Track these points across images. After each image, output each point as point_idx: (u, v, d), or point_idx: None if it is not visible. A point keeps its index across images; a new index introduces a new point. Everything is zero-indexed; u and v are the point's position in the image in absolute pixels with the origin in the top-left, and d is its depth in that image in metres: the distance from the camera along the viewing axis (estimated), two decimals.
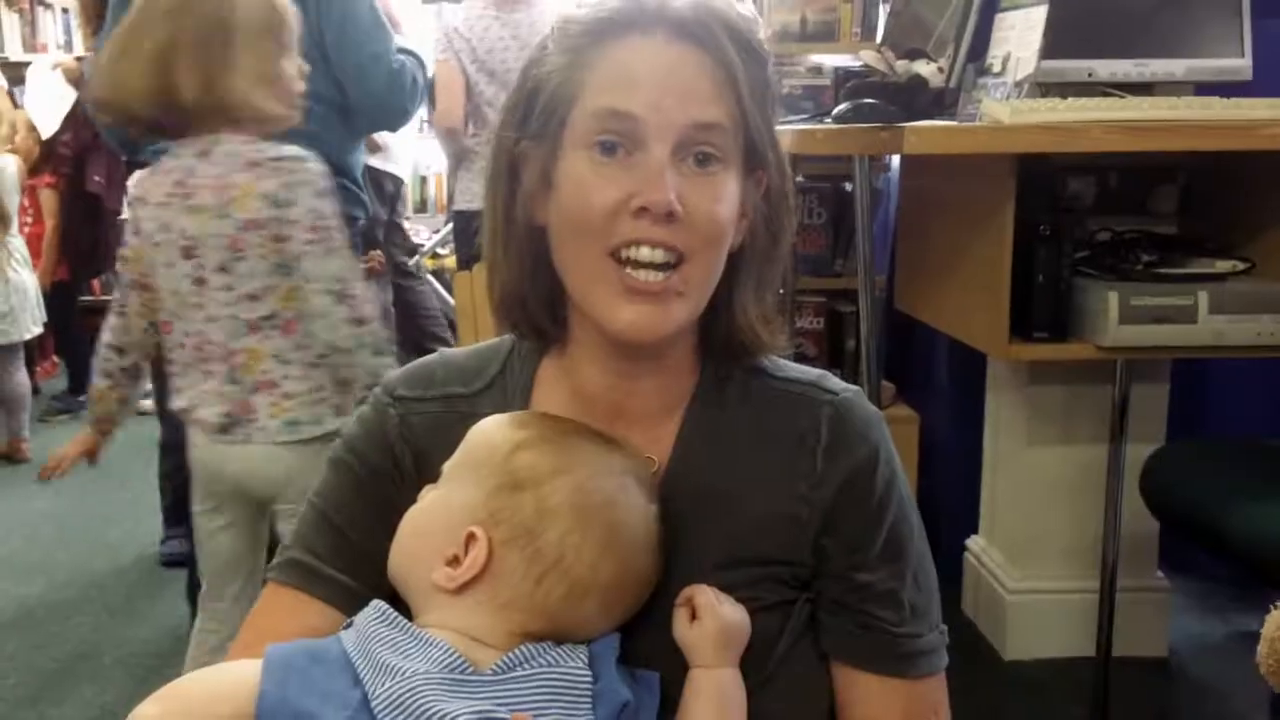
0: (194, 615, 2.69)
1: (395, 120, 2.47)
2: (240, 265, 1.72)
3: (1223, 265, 1.97)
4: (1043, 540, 2.55)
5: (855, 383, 0.98)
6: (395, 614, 0.82)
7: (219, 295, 1.73)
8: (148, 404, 4.50)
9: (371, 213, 3.95)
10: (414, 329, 4.34)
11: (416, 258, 4.51)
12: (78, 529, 3.43)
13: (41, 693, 2.45)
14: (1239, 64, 2.04)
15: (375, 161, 3.91)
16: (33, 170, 4.49)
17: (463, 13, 3.58)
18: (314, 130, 2.27)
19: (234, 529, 1.89)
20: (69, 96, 4.36)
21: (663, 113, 0.82)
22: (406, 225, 4.72)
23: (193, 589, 2.70)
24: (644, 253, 0.82)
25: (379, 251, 3.22)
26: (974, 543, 2.79)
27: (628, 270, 0.83)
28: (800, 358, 3.18)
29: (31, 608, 2.88)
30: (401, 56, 2.37)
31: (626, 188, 0.82)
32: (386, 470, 0.93)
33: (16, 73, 5.07)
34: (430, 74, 2.65)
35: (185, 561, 2.80)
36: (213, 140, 1.72)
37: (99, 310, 5.49)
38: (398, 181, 4.19)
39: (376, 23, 2.31)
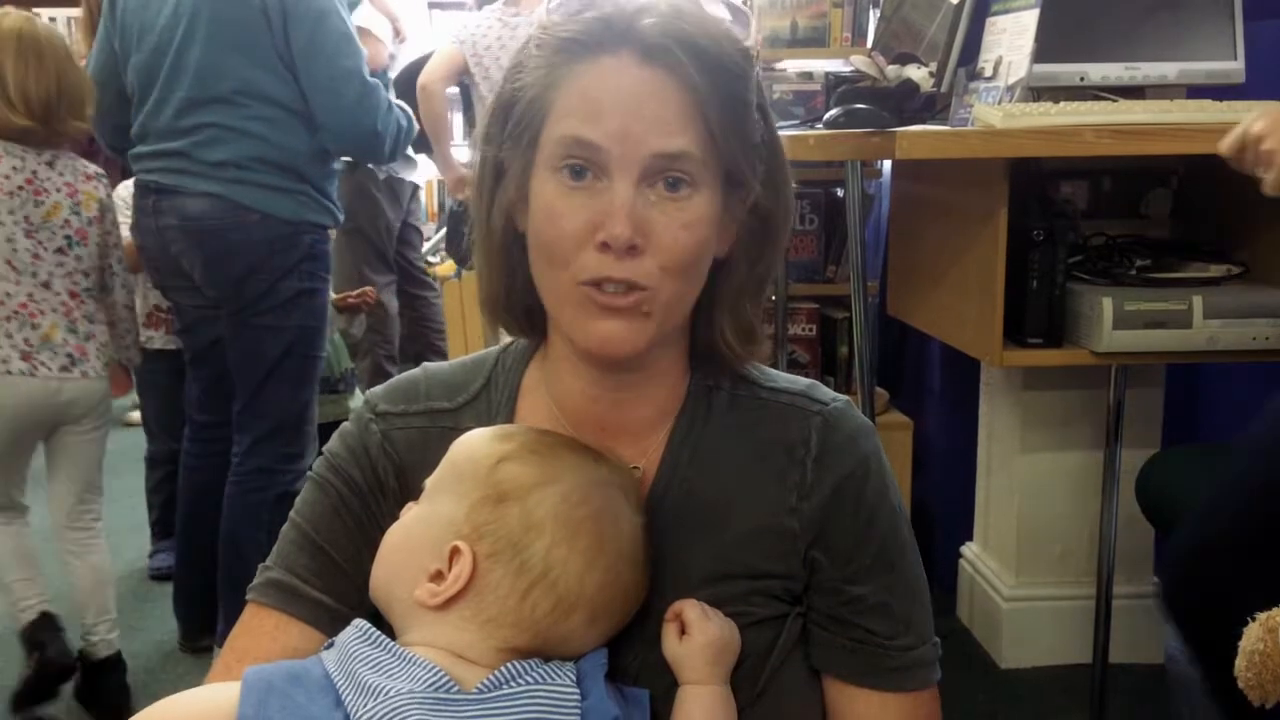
0: (182, 630, 2.68)
1: (366, 142, 2.38)
2: (81, 249, 2.33)
3: (1217, 269, 1.96)
4: (1038, 547, 2.54)
5: (848, 389, 0.97)
6: (377, 633, 0.80)
7: (57, 269, 2.29)
8: (135, 416, 4.50)
9: (387, 221, 3.96)
10: (420, 341, 4.31)
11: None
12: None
13: (27, 712, 2.42)
14: (1232, 66, 2.04)
15: (401, 171, 3.91)
16: None
17: (474, 21, 3.62)
18: (272, 136, 2.26)
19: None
20: None
21: (627, 143, 0.80)
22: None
23: (179, 603, 2.69)
24: (609, 289, 0.81)
25: (372, 289, 3.23)
26: (969, 549, 2.78)
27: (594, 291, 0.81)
28: (792, 364, 3.15)
29: None
30: (376, 80, 2.34)
31: (591, 217, 0.80)
32: (369, 487, 0.92)
33: None
34: (416, 127, 2.61)
35: (173, 575, 2.78)
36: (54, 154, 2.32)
37: None
38: (414, 187, 4.17)
39: (347, 37, 2.28)
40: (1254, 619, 1.27)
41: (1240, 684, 1.26)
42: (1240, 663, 1.26)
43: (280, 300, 2.33)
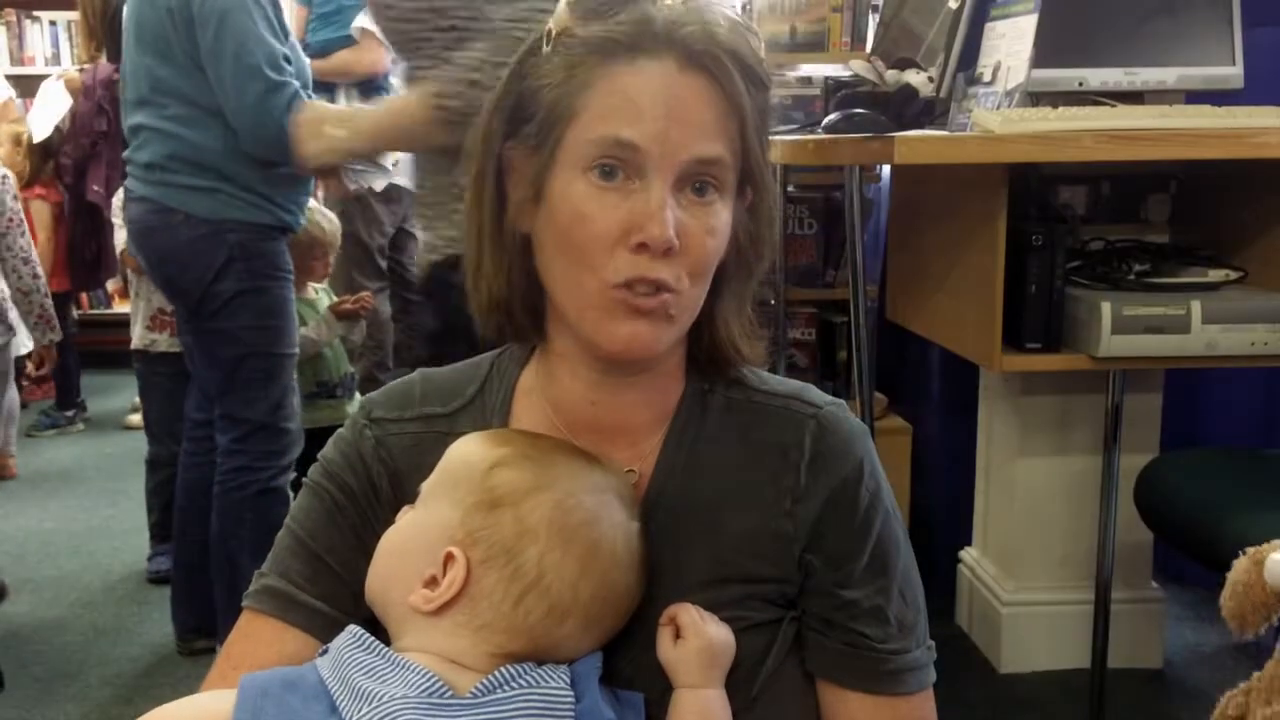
0: (178, 632, 2.69)
1: (275, 142, 2.24)
2: None
3: (1215, 274, 1.96)
4: (1037, 551, 2.54)
5: (847, 394, 0.96)
6: (371, 638, 0.80)
7: None
8: (135, 419, 4.50)
9: (381, 227, 3.95)
10: (419, 347, 4.31)
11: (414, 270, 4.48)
12: (65, 546, 3.41)
13: (25, 712, 2.43)
14: (1230, 72, 2.04)
15: (372, 181, 3.89)
16: (26, 184, 4.46)
17: None
18: (187, 134, 2.25)
19: None
20: (64, 105, 4.34)
21: (667, 146, 0.80)
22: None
23: (176, 604, 2.69)
24: (640, 289, 0.81)
25: (368, 294, 3.22)
26: (968, 554, 2.78)
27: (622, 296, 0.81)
28: (791, 369, 3.14)
29: (17, 625, 2.85)
30: (292, 80, 2.26)
31: (625, 219, 0.80)
32: (363, 493, 0.92)
33: (28, 85, 5.07)
34: None
35: (170, 576, 2.79)
36: None
37: (89, 324, 5.44)
38: (403, 192, 4.14)
39: (252, 34, 2.21)
40: (1244, 553, 1.30)
41: (1224, 613, 1.29)
42: (1224, 593, 1.29)
43: (221, 303, 2.31)
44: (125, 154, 2.38)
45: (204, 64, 2.22)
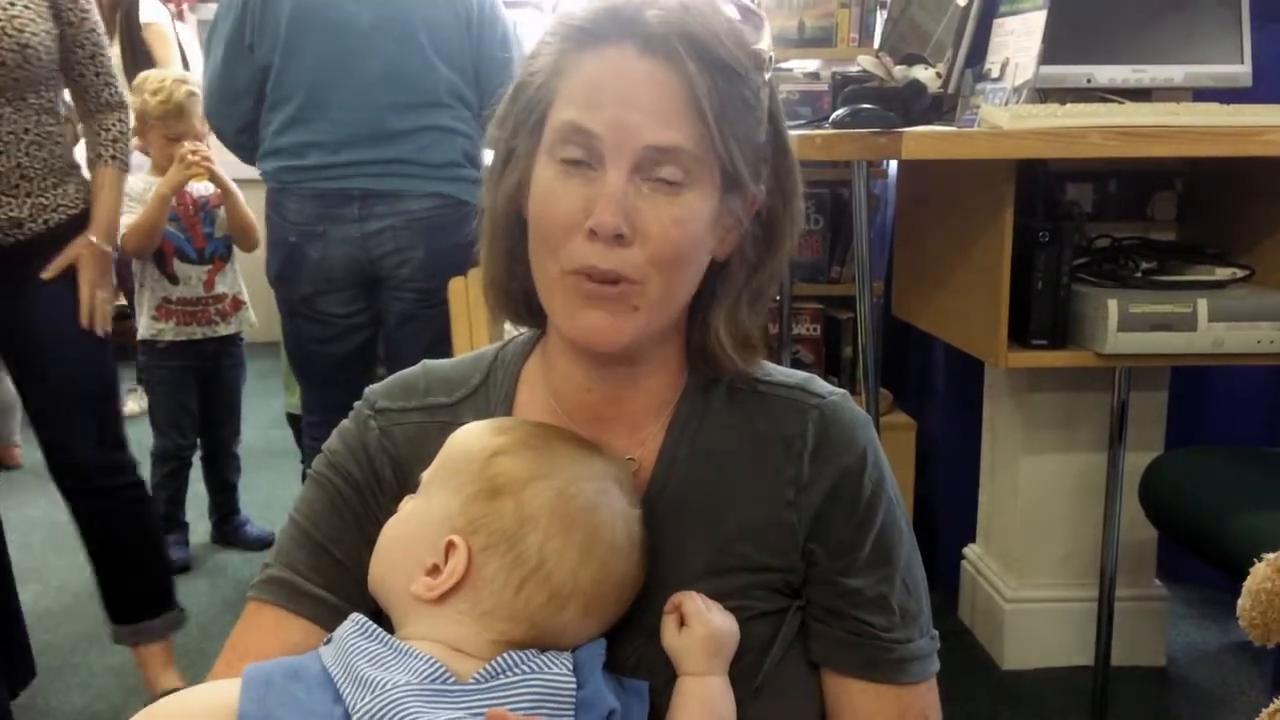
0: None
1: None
2: None
3: (1222, 272, 1.96)
4: (1041, 549, 2.54)
5: (853, 390, 0.96)
6: (374, 626, 0.80)
7: None
8: (137, 408, 4.50)
9: None
10: None
11: None
12: (71, 535, 3.39)
13: (30, 701, 2.43)
14: (1238, 70, 2.04)
15: None
16: None
17: None
18: (470, 133, 2.49)
19: None
20: None
21: (622, 132, 0.80)
22: None
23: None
24: (596, 276, 0.81)
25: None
26: (971, 551, 2.78)
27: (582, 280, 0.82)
28: (796, 364, 3.15)
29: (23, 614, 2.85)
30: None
31: (583, 205, 0.80)
32: (367, 483, 0.92)
33: None
34: None
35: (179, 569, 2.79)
36: None
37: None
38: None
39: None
40: (1261, 559, 1.25)
41: (1243, 623, 1.24)
42: (1244, 602, 1.23)
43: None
44: (397, 153, 2.40)
45: (483, 67, 2.43)
